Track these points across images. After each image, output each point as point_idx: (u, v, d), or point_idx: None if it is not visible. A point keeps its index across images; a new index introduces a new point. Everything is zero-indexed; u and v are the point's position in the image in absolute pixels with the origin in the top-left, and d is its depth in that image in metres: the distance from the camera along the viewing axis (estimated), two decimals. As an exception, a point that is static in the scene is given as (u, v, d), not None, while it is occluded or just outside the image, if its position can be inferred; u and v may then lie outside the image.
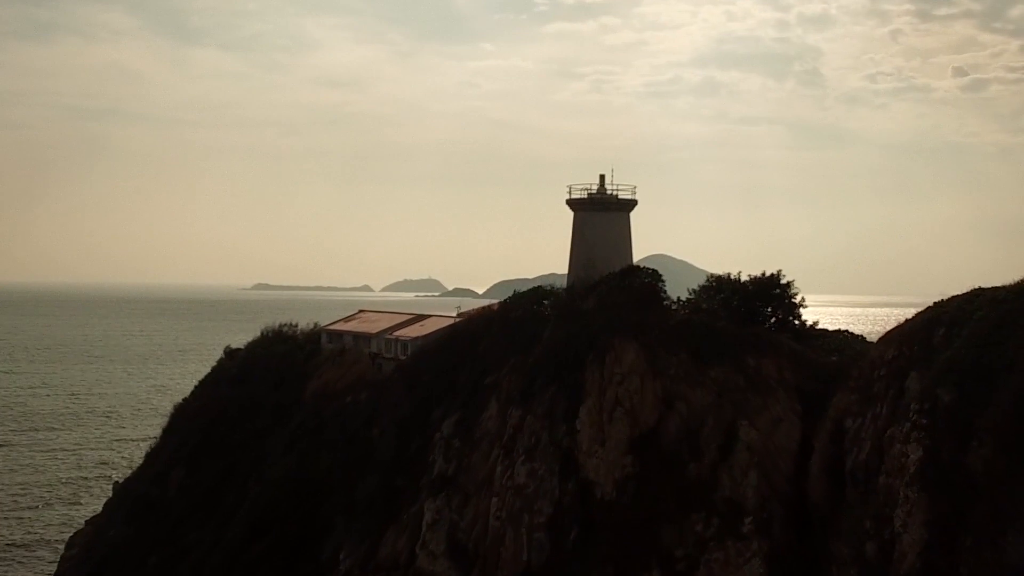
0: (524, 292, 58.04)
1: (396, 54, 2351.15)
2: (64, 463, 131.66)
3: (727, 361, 51.11)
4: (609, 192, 59.48)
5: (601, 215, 58.15)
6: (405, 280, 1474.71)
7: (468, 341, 58.80)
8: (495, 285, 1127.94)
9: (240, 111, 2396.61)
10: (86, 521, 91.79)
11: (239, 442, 68.07)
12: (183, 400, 78.26)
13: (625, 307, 52.88)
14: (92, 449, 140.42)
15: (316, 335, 76.40)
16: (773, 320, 68.27)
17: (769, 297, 68.94)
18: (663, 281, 56.44)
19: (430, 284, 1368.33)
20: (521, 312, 56.34)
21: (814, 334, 68.55)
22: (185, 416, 74.58)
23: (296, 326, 78.45)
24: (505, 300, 60.40)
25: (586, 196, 59.39)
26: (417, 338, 64.84)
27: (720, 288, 69.75)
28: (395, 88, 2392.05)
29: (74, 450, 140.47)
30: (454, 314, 69.80)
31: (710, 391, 50.32)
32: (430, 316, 70.34)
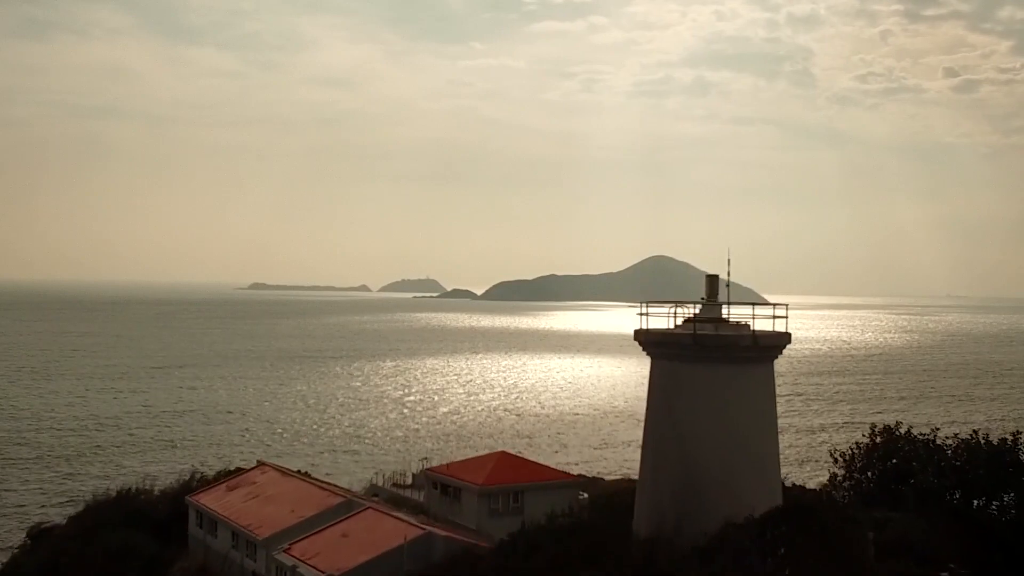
0: (540, 528, 26.22)
1: (390, 53, 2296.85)
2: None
3: None
4: (728, 317, 27.35)
5: (718, 372, 26.05)
6: (403, 280, 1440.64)
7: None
8: (495, 286, 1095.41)
9: (236, 110, 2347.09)
10: None
11: None
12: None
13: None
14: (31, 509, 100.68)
15: (183, 509, 44.76)
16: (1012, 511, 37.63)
17: (1002, 475, 38.10)
18: (869, 533, 24.53)
19: (429, 284, 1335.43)
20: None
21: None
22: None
23: (152, 489, 46.63)
24: (500, 541, 28.59)
25: (687, 330, 27.00)
26: (326, 575, 33.21)
27: (904, 452, 38.59)
28: (390, 87, 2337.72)
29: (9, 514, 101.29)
30: (406, 521, 38.69)
31: None
32: (366, 508, 38.41)
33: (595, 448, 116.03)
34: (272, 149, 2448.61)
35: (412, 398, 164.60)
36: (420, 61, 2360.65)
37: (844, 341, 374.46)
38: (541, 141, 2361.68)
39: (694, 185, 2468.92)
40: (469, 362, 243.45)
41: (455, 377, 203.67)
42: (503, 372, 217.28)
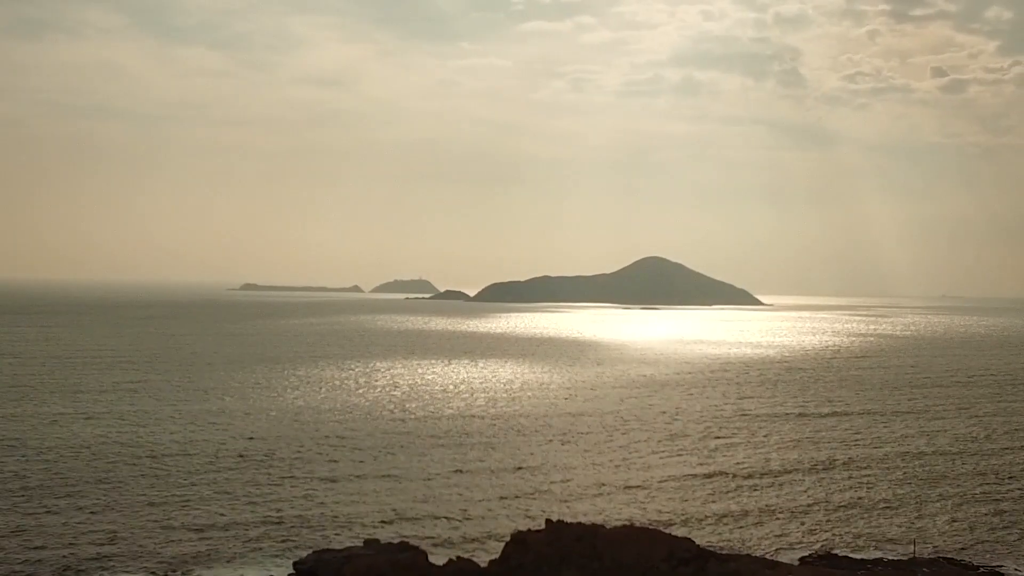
0: None
1: (381, 53, 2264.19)
2: None
3: None
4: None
5: None
6: (396, 281, 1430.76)
7: None
8: (488, 287, 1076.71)
9: (227, 109, 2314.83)
10: None
11: None
12: None
13: None
14: None
15: None
16: None
17: None
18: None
19: (421, 285, 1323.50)
20: None
21: None
22: None
23: None
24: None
25: None
26: None
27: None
28: (380, 87, 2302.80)
29: None
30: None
31: None
32: None
33: (595, 494, 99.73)
34: (263, 148, 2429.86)
35: (406, 424, 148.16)
36: (410, 61, 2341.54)
37: (847, 346, 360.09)
38: (532, 141, 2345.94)
39: (686, 185, 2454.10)
40: (462, 369, 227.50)
41: (445, 392, 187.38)
42: (499, 382, 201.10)
